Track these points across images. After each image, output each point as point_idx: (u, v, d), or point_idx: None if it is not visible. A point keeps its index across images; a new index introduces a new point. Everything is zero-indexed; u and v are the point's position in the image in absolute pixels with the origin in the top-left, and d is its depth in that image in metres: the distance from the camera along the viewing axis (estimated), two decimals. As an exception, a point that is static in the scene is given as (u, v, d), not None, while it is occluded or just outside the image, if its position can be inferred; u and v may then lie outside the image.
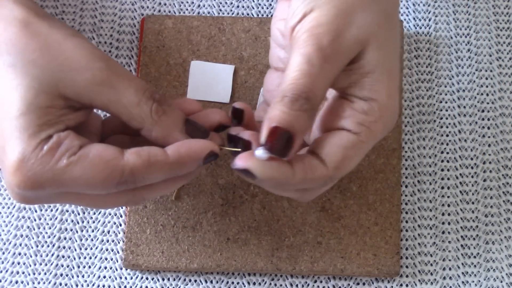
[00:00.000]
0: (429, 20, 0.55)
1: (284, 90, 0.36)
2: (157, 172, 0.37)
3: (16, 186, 0.36)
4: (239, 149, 0.38)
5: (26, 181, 0.36)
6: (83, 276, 0.50)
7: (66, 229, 0.50)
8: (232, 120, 0.41)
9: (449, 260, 0.50)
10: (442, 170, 0.52)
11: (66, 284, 0.49)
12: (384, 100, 0.37)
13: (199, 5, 0.56)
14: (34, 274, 0.50)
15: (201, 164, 0.39)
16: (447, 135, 0.52)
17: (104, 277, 0.50)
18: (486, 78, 0.54)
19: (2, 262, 0.50)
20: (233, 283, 0.50)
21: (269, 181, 0.37)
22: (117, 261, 0.50)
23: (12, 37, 0.36)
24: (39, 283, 0.49)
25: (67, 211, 0.51)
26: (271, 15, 0.55)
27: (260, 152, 0.36)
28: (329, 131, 0.38)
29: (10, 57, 0.36)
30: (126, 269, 0.50)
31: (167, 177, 0.38)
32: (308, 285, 0.50)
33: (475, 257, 0.50)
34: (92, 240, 0.50)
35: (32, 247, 0.50)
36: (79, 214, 0.51)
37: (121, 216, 0.51)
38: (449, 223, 0.51)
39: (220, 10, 0.56)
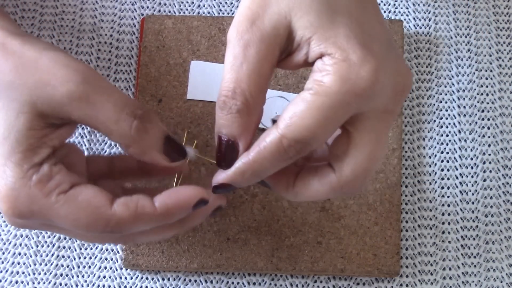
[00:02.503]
0: (429, 20, 0.55)
1: (218, 95, 0.36)
2: (144, 224, 0.37)
3: (4, 212, 0.36)
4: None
5: (14, 209, 0.36)
6: (83, 276, 0.50)
7: (66, 229, 0.50)
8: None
9: (449, 260, 0.50)
10: (442, 170, 0.52)
11: (66, 284, 0.49)
12: (344, 46, 0.34)
13: (199, 5, 0.56)
14: (34, 274, 0.50)
15: (191, 211, 0.38)
16: (447, 135, 0.52)
17: (104, 277, 0.50)
18: (486, 78, 0.54)
19: (2, 262, 0.50)
20: (233, 283, 0.50)
21: (249, 173, 0.36)
22: (117, 261, 0.50)
23: None
24: (39, 283, 0.49)
25: (67, 211, 0.51)
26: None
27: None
28: None
29: None
30: (126, 269, 0.50)
31: (155, 226, 0.38)
32: (308, 285, 0.50)
33: (475, 257, 0.50)
34: (92, 240, 0.50)
35: (32, 247, 0.50)
36: (79, 214, 0.51)
37: (121, 216, 0.51)
38: (449, 223, 0.51)
39: (220, 10, 0.55)
